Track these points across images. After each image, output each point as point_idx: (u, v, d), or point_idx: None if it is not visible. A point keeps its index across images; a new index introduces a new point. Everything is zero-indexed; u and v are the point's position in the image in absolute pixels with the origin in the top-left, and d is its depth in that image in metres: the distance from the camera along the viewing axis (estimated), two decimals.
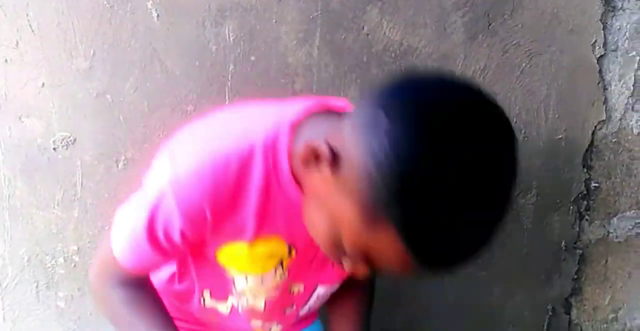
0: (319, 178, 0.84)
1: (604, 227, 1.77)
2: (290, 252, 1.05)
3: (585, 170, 1.69)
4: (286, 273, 1.09)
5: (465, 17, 1.48)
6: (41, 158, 1.43)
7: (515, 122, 1.59)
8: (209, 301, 1.19)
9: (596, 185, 1.72)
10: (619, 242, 1.80)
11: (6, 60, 1.36)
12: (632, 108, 1.67)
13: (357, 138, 0.77)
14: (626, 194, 1.75)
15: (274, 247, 1.02)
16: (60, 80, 1.38)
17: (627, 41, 1.61)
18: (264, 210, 0.96)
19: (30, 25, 1.34)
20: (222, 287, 1.14)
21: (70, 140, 1.42)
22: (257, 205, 0.95)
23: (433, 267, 0.79)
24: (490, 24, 1.50)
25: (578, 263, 1.78)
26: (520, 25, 1.51)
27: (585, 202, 1.73)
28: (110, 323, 1.10)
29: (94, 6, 1.35)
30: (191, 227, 0.95)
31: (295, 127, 0.94)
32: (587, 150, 1.67)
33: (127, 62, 1.39)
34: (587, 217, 1.75)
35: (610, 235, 1.78)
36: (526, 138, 1.61)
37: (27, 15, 1.34)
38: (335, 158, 0.81)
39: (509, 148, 0.79)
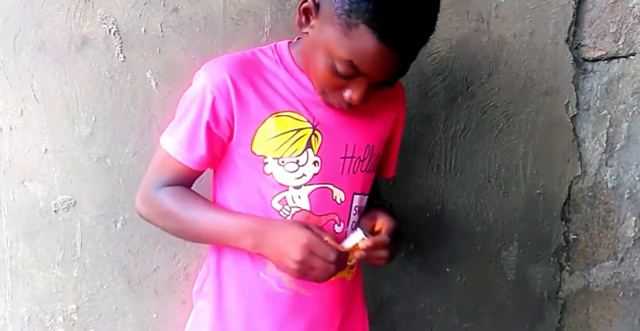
0: (311, 32, 1.14)
1: (584, 277, 1.84)
2: (315, 134, 1.22)
3: (563, 223, 1.77)
4: (318, 158, 1.22)
5: (445, 81, 1.58)
6: (43, 221, 1.49)
7: (495, 179, 1.68)
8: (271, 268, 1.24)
9: (575, 237, 1.79)
10: (599, 291, 1.86)
11: (11, 128, 1.43)
12: (606, 164, 1.76)
13: None
14: (604, 245, 1.82)
15: (298, 122, 1.21)
16: (63, 146, 1.45)
17: (598, 101, 1.71)
18: (280, 89, 1.21)
19: (34, 95, 1.42)
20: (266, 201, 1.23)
21: (71, 203, 1.48)
22: (273, 84, 1.21)
23: (401, 45, 1.07)
24: (468, 88, 1.60)
25: (561, 313, 1.84)
26: (496, 88, 1.61)
27: (565, 254, 1.80)
28: (165, 226, 1.26)
29: (95, 76, 1.43)
30: (220, 97, 1.17)
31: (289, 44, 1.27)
32: (564, 204, 1.75)
33: (126, 127, 1.46)
34: (567, 267, 1.81)
35: (591, 284, 1.85)
36: (506, 194, 1.69)
37: (32, 85, 1.42)
38: (316, 5, 1.11)
39: None
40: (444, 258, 1.71)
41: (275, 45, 1.26)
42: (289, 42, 1.26)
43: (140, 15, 1.42)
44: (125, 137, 1.46)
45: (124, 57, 1.43)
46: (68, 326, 1.55)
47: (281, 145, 1.20)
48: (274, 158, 1.20)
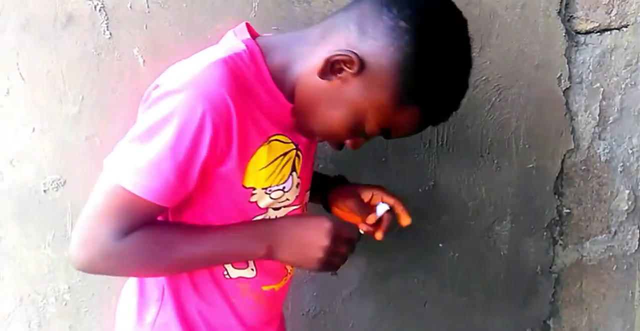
0: (338, 84, 1.02)
1: (578, 250, 1.84)
2: (297, 154, 1.15)
3: (556, 197, 1.76)
4: (299, 180, 1.18)
5: None
6: (32, 201, 1.47)
7: (488, 153, 1.67)
8: (232, 271, 1.17)
9: (568, 211, 1.79)
10: (593, 264, 1.86)
11: None
12: (599, 137, 1.75)
13: (383, 43, 0.98)
14: (597, 219, 1.82)
15: (285, 145, 1.13)
16: (50, 125, 1.44)
17: (591, 74, 1.69)
18: (265, 107, 1.07)
19: (20, 74, 1.40)
20: None
21: (61, 182, 1.47)
22: (259, 103, 1.06)
23: (437, 122, 1.09)
24: None
25: (554, 287, 1.85)
26: (488, 62, 1.59)
27: (558, 228, 1.80)
28: (143, 272, 1.13)
29: (82, 54, 1.41)
30: (224, 129, 0.99)
31: (258, 45, 1.08)
32: (557, 178, 1.75)
33: (114, 106, 1.44)
34: (560, 241, 1.81)
35: (584, 258, 1.85)
36: (499, 169, 1.68)
37: (17, 64, 1.39)
38: (362, 63, 0.99)
39: (468, 36, 1.06)
40: (437, 233, 1.71)
41: (249, 51, 1.06)
42: (257, 44, 1.08)
43: None
44: (114, 115, 1.45)
45: (110, 34, 1.41)
46: (60, 306, 1.55)
47: (270, 175, 1.10)
48: (262, 188, 1.11)
